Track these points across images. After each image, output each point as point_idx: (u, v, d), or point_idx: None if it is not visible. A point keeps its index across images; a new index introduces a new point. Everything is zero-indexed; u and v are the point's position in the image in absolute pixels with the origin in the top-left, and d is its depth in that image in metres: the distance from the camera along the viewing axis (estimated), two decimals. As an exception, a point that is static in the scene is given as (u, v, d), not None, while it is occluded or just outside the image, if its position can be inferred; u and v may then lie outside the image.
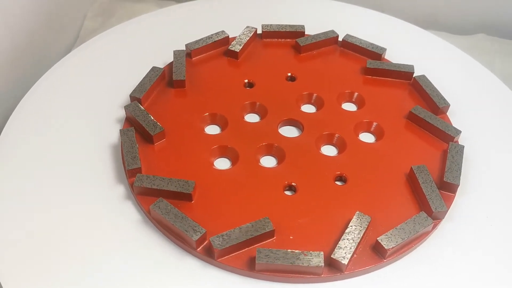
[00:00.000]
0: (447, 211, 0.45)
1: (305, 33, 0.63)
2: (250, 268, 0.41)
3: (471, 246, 0.45)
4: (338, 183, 0.48)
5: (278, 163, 0.50)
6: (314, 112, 0.55)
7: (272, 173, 0.48)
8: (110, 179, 0.48)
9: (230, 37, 0.61)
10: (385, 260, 0.42)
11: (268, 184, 0.47)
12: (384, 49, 0.60)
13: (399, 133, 0.53)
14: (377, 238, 0.42)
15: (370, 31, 0.65)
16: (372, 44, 0.60)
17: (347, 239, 0.42)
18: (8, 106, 0.58)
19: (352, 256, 0.42)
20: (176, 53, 0.58)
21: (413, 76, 0.57)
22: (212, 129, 0.53)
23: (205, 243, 0.42)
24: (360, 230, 0.43)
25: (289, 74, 0.58)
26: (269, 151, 0.51)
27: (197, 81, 0.57)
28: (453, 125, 0.53)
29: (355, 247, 0.42)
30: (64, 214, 0.45)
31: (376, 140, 0.53)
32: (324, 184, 0.48)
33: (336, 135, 0.52)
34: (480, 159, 0.51)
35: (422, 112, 0.53)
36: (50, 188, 0.47)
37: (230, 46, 0.59)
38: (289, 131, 0.53)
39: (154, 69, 0.56)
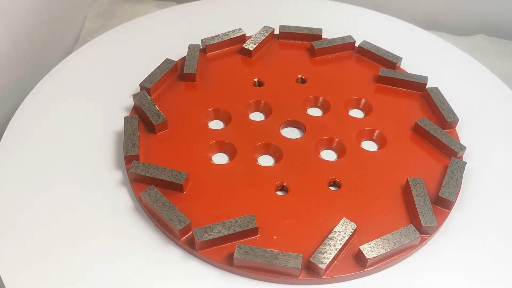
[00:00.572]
0: (437, 226, 0.44)
1: (323, 36, 0.62)
2: (229, 263, 0.42)
3: (461, 265, 0.43)
4: (332, 188, 0.48)
5: (275, 162, 0.50)
6: (318, 116, 0.54)
7: (266, 172, 0.49)
8: (109, 166, 0.49)
9: (246, 35, 0.62)
10: (366, 270, 0.42)
11: (261, 183, 0.48)
12: (399, 58, 0.59)
13: (402, 143, 0.52)
14: (360, 246, 0.42)
15: (371, 32, 0.65)
16: (388, 52, 0.60)
17: (329, 244, 0.42)
18: (10, 108, 0.58)
19: (333, 261, 0.42)
20: (191, 47, 0.59)
21: (426, 87, 0.56)
22: (216, 124, 0.54)
23: (188, 234, 0.43)
24: (344, 237, 0.42)
25: (300, 76, 0.58)
26: (266, 150, 0.51)
27: (208, 76, 0.58)
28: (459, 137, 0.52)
29: (336, 253, 0.41)
30: (64, 209, 0.46)
31: (378, 149, 0.52)
32: (317, 188, 0.47)
33: (336, 139, 0.51)
34: (482, 169, 0.50)
35: (428, 125, 0.52)
36: (50, 188, 0.47)
37: (244, 44, 0.60)
38: (291, 132, 0.53)
39: (167, 61, 0.57)
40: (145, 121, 0.52)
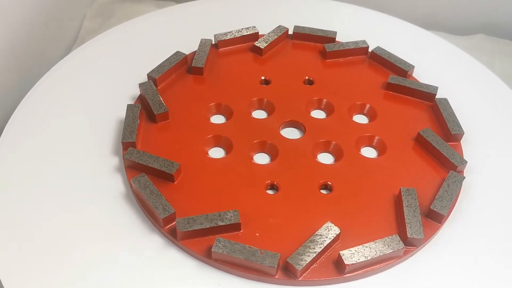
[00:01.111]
0: (423, 239, 0.43)
1: (336, 39, 0.62)
2: (208, 255, 0.42)
3: (446, 281, 0.42)
4: (323, 191, 0.48)
5: (270, 161, 0.50)
6: (321, 118, 0.54)
7: (259, 170, 0.49)
8: (108, 152, 0.50)
9: (260, 33, 0.62)
10: (344, 276, 0.41)
11: (252, 180, 0.48)
12: (411, 67, 0.58)
13: (402, 152, 0.51)
14: (340, 252, 0.41)
15: (369, 30, 0.65)
16: (401, 59, 0.59)
17: (309, 246, 0.41)
18: (8, 108, 0.58)
19: (311, 264, 0.41)
20: (202, 42, 0.60)
21: (435, 98, 0.55)
22: (217, 119, 0.54)
23: (172, 224, 0.44)
24: (325, 241, 0.42)
25: (307, 77, 0.58)
26: (262, 148, 0.51)
27: (217, 71, 0.58)
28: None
29: (315, 255, 0.41)
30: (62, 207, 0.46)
31: (377, 156, 0.51)
32: (307, 190, 0.47)
33: (333, 142, 0.51)
34: (482, 183, 0.49)
35: (431, 136, 0.50)
36: (49, 187, 0.47)
37: (256, 42, 0.60)
38: (290, 132, 0.53)
39: (177, 53, 0.58)
40: (148, 110, 0.53)
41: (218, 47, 0.61)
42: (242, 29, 0.62)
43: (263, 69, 0.59)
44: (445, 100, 0.54)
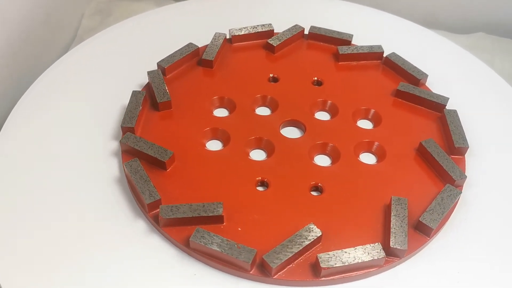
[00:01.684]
0: (406, 250, 0.41)
1: (352, 42, 0.61)
2: (187, 244, 0.42)
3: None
4: (314, 193, 0.47)
5: (266, 158, 0.50)
6: (323, 120, 0.53)
7: (252, 165, 0.48)
8: (107, 137, 0.51)
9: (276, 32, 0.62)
10: (319, 279, 0.40)
11: (244, 175, 0.47)
12: (424, 75, 0.56)
13: (402, 161, 0.49)
14: (317, 255, 0.41)
15: (369, 29, 0.64)
16: (415, 67, 0.57)
17: (287, 246, 0.41)
18: (6, 106, 0.57)
19: (288, 264, 0.41)
20: (216, 35, 0.60)
21: (444, 109, 0.53)
22: (220, 112, 0.54)
23: (157, 210, 0.44)
24: (304, 242, 0.41)
25: (315, 78, 0.57)
26: (258, 145, 0.51)
27: (227, 65, 0.58)
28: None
29: (291, 256, 0.40)
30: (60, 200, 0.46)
31: (376, 162, 0.50)
32: (297, 189, 0.47)
33: (330, 144, 0.50)
34: (481, 198, 0.48)
35: (432, 147, 0.49)
36: (48, 184, 0.47)
37: (269, 40, 0.60)
38: (290, 131, 0.52)
39: (189, 45, 0.59)
40: (152, 98, 0.54)
41: (232, 42, 0.61)
42: (258, 25, 0.61)
43: (273, 67, 0.58)
44: (454, 112, 0.52)
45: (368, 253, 0.41)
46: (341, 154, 0.50)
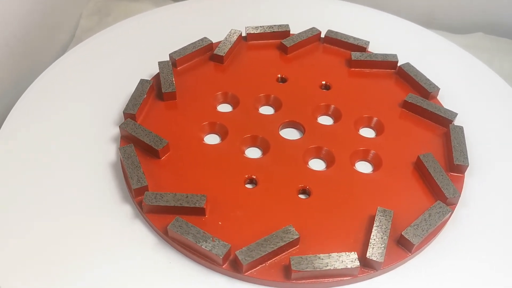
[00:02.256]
0: (382, 263, 0.40)
1: (368, 50, 0.60)
2: (166, 233, 0.43)
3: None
4: (301, 196, 0.47)
5: (261, 156, 0.50)
6: (324, 124, 0.53)
7: (244, 162, 0.49)
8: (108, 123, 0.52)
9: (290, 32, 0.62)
10: (290, 281, 0.40)
11: (234, 170, 0.48)
12: (436, 88, 0.55)
13: (397, 173, 0.48)
14: (290, 257, 0.40)
15: (368, 29, 0.64)
16: (427, 79, 0.56)
17: (261, 244, 0.41)
18: (5, 107, 0.57)
19: (261, 263, 0.41)
20: (232, 32, 0.61)
21: (450, 124, 0.51)
22: (224, 108, 0.54)
23: (143, 196, 0.45)
24: (278, 243, 0.41)
25: (324, 82, 0.57)
26: (254, 143, 0.51)
27: (239, 62, 0.59)
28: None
29: (264, 255, 0.40)
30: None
31: (371, 172, 0.49)
32: (284, 190, 0.46)
33: (325, 149, 0.50)
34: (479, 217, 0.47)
35: (430, 162, 0.47)
36: (47, 185, 0.47)
37: (283, 40, 0.60)
38: (289, 133, 0.52)
39: (203, 39, 0.59)
40: (159, 87, 0.55)
41: (247, 40, 0.61)
42: (274, 25, 0.62)
43: (284, 67, 0.58)
44: (460, 128, 0.51)
45: (342, 261, 0.40)
46: (336, 160, 0.49)
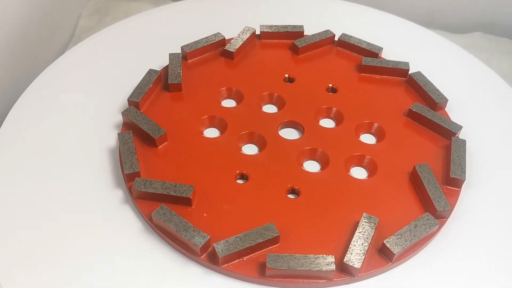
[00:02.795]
0: (358, 269, 0.40)
1: (381, 56, 0.59)
2: (151, 219, 0.44)
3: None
4: (290, 195, 0.47)
5: (257, 153, 0.50)
6: (324, 126, 0.52)
7: (237, 158, 0.49)
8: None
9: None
10: (264, 278, 0.40)
11: (227, 165, 0.48)
12: (445, 99, 0.54)
13: (390, 182, 0.47)
14: (267, 254, 0.40)
15: (368, 29, 0.64)
16: (436, 90, 0.54)
17: (240, 238, 0.41)
18: (4, 107, 0.57)
19: (239, 257, 0.41)
20: (245, 29, 0.61)
21: (453, 137, 0.50)
22: (228, 103, 0.55)
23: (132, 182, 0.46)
24: (257, 239, 0.41)
25: (331, 85, 0.56)
26: (250, 139, 0.51)
27: (249, 60, 0.59)
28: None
29: (242, 249, 0.41)
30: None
31: (365, 178, 0.48)
32: (273, 189, 0.46)
33: (319, 150, 0.49)
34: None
35: (425, 173, 0.46)
36: (47, 185, 0.47)
37: (295, 40, 0.60)
38: (289, 132, 0.52)
39: (217, 34, 0.60)
40: (166, 78, 0.56)
41: (260, 38, 0.62)
42: (288, 25, 0.62)
43: (292, 68, 0.58)
44: (463, 141, 0.49)
45: (318, 264, 0.40)
46: (330, 163, 0.49)
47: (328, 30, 0.61)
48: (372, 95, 0.56)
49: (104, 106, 0.54)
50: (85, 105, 0.54)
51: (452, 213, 0.46)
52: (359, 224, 0.43)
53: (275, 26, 0.62)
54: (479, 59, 0.62)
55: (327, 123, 0.53)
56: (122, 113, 0.51)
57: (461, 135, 0.51)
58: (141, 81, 0.54)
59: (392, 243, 0.41)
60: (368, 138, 0.52)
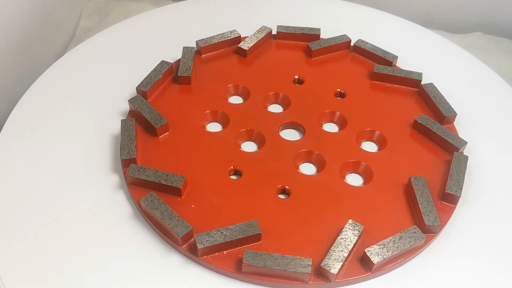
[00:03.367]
0: (334, 274, 0.40)
1: (396, 65, 0.59)
2: (140, 205, 0.45)
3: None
4: (281, 195, 0.47)
5: (255, 150, 0.51)
6: (326, 130, 0.52)
7: (234, 153, 0.49)
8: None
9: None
10: (241, 274, 0.41)
11: (222, 160, 0.49)
12: (453, 113, 0.52)
13: (384, 192, 0.47)
14: (245, 250, 0.41)
15: (368, 29, 0.64)
16: (446, 103, 0.53)
17: (221, 232, 0.42)
18: (5, 108, 0.58)
19: (219, 250, 0.42)
20: (262, 28, 0.61)
21: (455, 152, 0.49)
22: (236, 100, 0.56)
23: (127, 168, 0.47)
24: (237, 235, 0.41)
25: (339, 90, 0.56)
26: (249, 136, 0.51)
27: (262, 59, 0.59)
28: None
29: (222, 243, 0.41)
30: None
31: (360, 185, 0.48)
32: (264, 187, 0.47)
33: (315, 152, 0.49)
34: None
35: (419, 186, 0.45)
36: (47, 186, 0.47)
37: (309, 43, 0.60)
38: (290, 133, 0.52)
39: (233, 31, 0.61)
40: (177, 71, 0.57)
41: (276, 38, 0.62)
42: (304, 27, 0.62)
43: (304, 70, 0.58)
44: (465, 157, 0.48)
45: (294, 265, 0.40)
46: (326, 167, 0.48)
47: (344, 35, 0.61)
48: (381, 103, 0.55)
49: (105, 106, 0.54)
50: (86, 105, 0.55)
51: (444, 229, 0.45)
52: (343, 230, 0.42)
53: (292, 27, 0.62)
54: (479, 59, 0.62)
55: (331, 127, 0.53)
56: (128, 101, 0.52)
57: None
58: (151, 71, 0.55)
59: (373, 253, 0.41)
60: (369, 146, 0.52)
